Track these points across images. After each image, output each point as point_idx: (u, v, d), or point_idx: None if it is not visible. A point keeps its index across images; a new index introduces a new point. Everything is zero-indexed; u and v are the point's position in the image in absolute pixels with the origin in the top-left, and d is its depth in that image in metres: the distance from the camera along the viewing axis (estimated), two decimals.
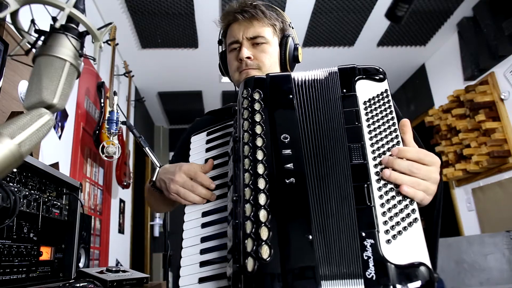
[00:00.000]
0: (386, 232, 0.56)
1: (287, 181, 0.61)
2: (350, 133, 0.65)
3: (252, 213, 0.59)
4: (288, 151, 0.64)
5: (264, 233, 0.57)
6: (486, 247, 2.24)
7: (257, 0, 1.03)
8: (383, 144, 0.64)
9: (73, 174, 2.16)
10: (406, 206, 0.59)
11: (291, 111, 0.69)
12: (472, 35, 2.90)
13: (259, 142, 0.66)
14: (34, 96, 0.51)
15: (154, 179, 0.88)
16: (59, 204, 1.08)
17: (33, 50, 0.57)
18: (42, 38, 0.56)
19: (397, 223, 0.57)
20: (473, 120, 2.81)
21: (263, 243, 0.56)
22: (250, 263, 0.55)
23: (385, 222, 0.57)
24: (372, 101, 0.69)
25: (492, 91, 2.75)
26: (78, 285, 0.95)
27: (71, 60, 0.54)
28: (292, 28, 1.07)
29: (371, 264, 0.54)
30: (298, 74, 0.74)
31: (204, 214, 0.76)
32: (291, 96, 0.71)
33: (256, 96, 0.72)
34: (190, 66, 3.48)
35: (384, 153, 0.64)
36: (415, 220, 0.57)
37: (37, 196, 0.97)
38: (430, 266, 0.54)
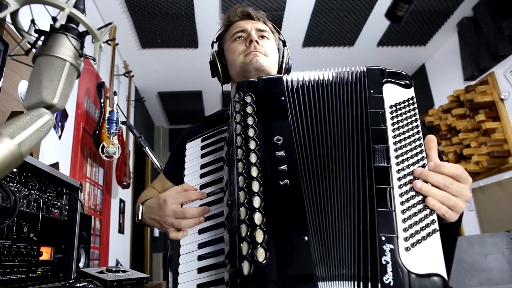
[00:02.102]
0: (406, 239, 0.56)
1: (281, 183, 0.61)
2: (375, 134, 0.65)
3: (247, 217, 0.58)
4: (281, 153, 0.63)
5: (259, 236, 0.57)
6: (486, 247, 2.24)
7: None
8: (406, 151, 0.64)
9: (73, 174, 2.16)
10: (427, 216, 0.58)
11: (283, 113, 0.69)
12: (472, 35, 2.90)
13: (252, 145, 0.65)
14: (34, 96, 0.51)
15: (140, 218, 0.88)
16: (59, 204, 1.08)
17: (33, 50, 0.57)
18: (42, 38, 0.56)
19: (417, 232, 0.57)
20: (473, 120, 2.81)
21: (259, 246, 0.56)
22: (246, 267, 0.55)
23: (405, 229, 0.57)
24: (398, 106, 0.68)
25: (492, 91, 2.75)
26: (78, 285, 0.95)
27: (71, 60, 0.54)
28: (285, 46, 1.11)
29: (389, 269, 0.53)
30: (291, 76, 0.74)
31: None
32: (283, 98, 0.70)
33: (248, 99, 0.71)
34: (190, 66, 3.48)
35: (407, 159, 0.63)
36: (434, 231, 0.57)
37: (37, 196, 0.97)
38: (446, 278, 0.54)
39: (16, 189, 0.87)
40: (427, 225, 0.57)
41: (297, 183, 0.61)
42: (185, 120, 4.82)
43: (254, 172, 0.62)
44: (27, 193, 0.93)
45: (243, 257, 0.56)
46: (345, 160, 0.64)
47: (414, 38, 3.21)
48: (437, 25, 3.04)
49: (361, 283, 0.55)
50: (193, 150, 0.88)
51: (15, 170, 0.88)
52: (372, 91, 0.69)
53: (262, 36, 1.03)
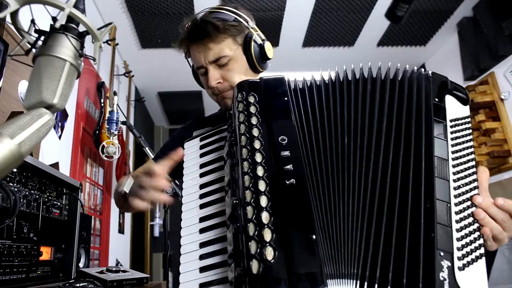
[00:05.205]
0: (459, 258, 0.55)
1: (287, 182, 0.61)
2: (438, 145, 0.63)
3: (254, 216, 0.58)
4: (286, 153, 0.64)
5: (267, 234, 0.56)
6: None
7: (206, 10, 0.97)
8: (462, 169, 0.63)
9: (73, 174, 2.16)
10: (476, 239, 0.58)
11: (287, 113, 0.69)
12: (472, 35, 2.90)
13: (257, 144, 0.65)
14: (34, 96, 0.51)
15: (126, 190, 0.78)
16: (59, 204, 1.08)
17: (33, 50, 0.57)
18: (42, 38, 0.56)
19: (468, 253, 0.56)
20: (473, 120, 2.81)
21: (267, 244, 0.55)
22: (254, 266, 0.55)
23: (458, 248, 0.56)
24: (456, 122, 0.66)
25: (492, 91, 2.75)
26: (78, 285, 0.95)
27: (71, 60, 0.54)
28: (251, 28, 0.98)
29: (446, 286, 0.53)
30: (292, 76, 0.74)
31: (202, 219, 0.76)
32: (286, 99, 0.70)
33: (251, 99, 0.71)
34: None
35: (463, 178, 0.62)
36: (482, 255, 0.57)
37: (37, 196, 0.97)
38: None
39: (16, 189, 0.87)
40: (476, 248, 0.57)
41: (303, 182, 0.61)
42: (185, 120, 4.78)
43: (260, 171, 0.62)
44: (27, 193, 0.93)
45: (251, 256, 0.56)
46: (387, 158, 0.64)
47: (414, 38, 3.21)
48: (437, 25, 3.04)
49: (366, 283, 0.56)
50: (192, 150, 0.88)
51: (15, 170, 0.88)
52: (437, 100, 0.67)
53: (221, 64, 0.94)
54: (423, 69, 0.71)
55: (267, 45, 0.99)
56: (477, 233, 0.58)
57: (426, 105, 0.67)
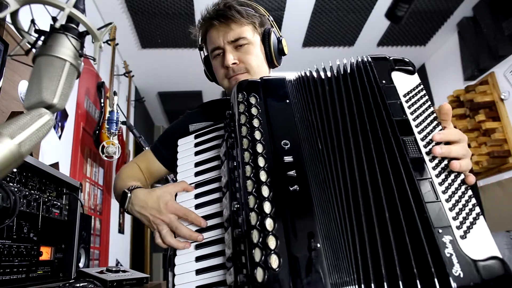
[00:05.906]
0: (458, 227, 0.55)
1: (291, 189, 0.60)
2: (400, 125, 0.63)
3: (258, 222, 0.57)
4: (289, 158, 0.63)
5: (271, 242, 0.56)
6: None
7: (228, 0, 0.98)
8: (431, 139, 0.63)
9: (73, 174, 2.16)
10: (468, 201, 0.57)
11: (289, 116, 0.68)
12: (472, 35, 2.90)
13: (259, 148, 0.64)
14: (34, 96, 0.51)
15: (125, 207, 0.84)
16: (59, 204, 1.08)
17: (33, 50, 0.57)
18: (42, 38, 0.56)
19: (465, 218, 0.56)
20: (473, 120, 2.81)
21: (272, 252, 0.55)
22: (259, 274, 0.54)
23: (454, 218, 0.56)
24: (410, 94, 0.67)
25: (492, 91, 2.75)
26: (78, 285, 0.95)
27: (71, 60, 0.54)
28: (272, 21, 1.03)
29: (455, 261, 0.52)
30: (293, 76, 0.74)
31: None
32: (288, 101, 0.70)
33: (253, 100, 0.70)
34: (190, 66, 3.47)
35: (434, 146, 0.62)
36: (479, 214, 0.56)
37: (37, 196, 0.97)
38: (503, 259, 0.53)
39: (16, 189, 0.87)
40: (471, 210, 0.56)
41: (307, 189, 0.60)
42: None
43: (263, 176, 0.61)
44: (27, 193, 0.93)
45: (256, 264, 0.55)
46: (360, 156, 0.63)
47: (414, 38, 3.21)
48: (437, 25, 3.04)
49: (373, 285, 0.54)
50: (186, 147, 0.86)
51: (15, 170, 0.88)
52: (384, 82, 0.68)
53: (240, 45, 0.94)
54: (364, 57, 0.72)
55: (284, 42, 1.02)
56: (467, 195, 0.58)
57: (378, 90, 0.68)
